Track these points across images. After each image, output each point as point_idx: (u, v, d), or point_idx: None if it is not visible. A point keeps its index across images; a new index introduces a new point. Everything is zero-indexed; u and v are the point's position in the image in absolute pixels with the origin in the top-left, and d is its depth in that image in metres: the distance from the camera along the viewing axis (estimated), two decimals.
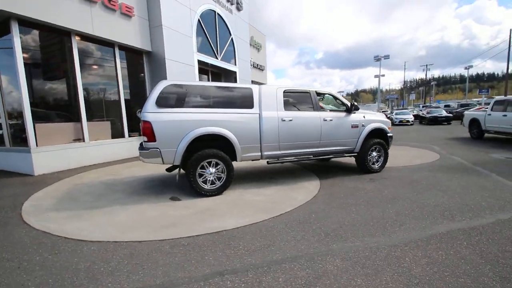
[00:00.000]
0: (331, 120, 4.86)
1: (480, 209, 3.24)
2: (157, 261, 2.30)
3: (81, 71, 6.64)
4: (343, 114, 5.04)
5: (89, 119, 6.84)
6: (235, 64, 12.34)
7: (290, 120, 4.49)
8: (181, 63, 8.74)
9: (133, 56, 8.31)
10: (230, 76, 12.16)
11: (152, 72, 8.50)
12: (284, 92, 4.61)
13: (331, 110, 5.12)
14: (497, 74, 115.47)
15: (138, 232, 2.90)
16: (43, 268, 2.26)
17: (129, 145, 7.89)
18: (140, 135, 8.34)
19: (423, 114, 22.14)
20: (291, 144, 4.57)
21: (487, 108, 9.87)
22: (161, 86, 3.89)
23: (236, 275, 2.06)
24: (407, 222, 2.95)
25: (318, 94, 5.03)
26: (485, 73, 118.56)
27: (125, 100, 7.87)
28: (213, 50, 10.72)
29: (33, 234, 2.94)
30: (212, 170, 4.05)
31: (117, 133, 7.71)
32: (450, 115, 19.88)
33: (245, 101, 4.31)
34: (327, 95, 5.32)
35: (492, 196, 3.69)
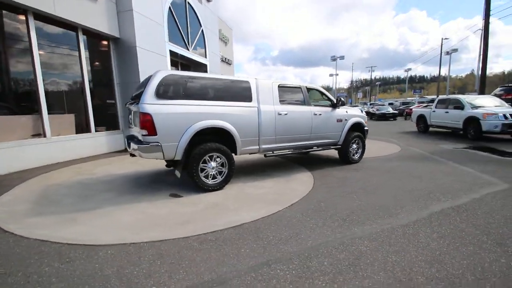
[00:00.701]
0: (320, 114, 5.12)
1: (455, 191, 3.80)
2: (194, 259, 2.21)
3: (40, 57, 5.75)
4: (330, 108, 5.36)
5: (50, 111, 5.99)
6: (206, 57, 11.97)
7: (286, 114, 4.61)
8: (153, 53, 8.16)
9: (99, 42, 7.47)
10: (200, 69, 11.74)
11: (121, 61, 7.76)
12: (278, 86, 4.71)
13: (315, 105, 5.38)
14: (426, 76, 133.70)
15: (154, 232, 2.73)
16: (63, 279, 1.99)
17: (96, 141, 7.15)
18: (107, 129, 7.62)
19: (373, 111, 24.44)
20: (286, 138, 4.70)
21: (431, 105, 11.39)
22: (160, 76, 3.63)
23: (283, 263, 2.11)
24: (405, 204, 3.33)
25: (308, 89, 5.24)
26: (417, 76, 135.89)
27: (91, 91, 7.07)
28: (184, 41, 10.23)
29: (25, 243, 2.55)
30: (213, 164, 3.96)
31: (82, 128, 6.91)
32: (396, 112, 22.40)
33: (244, 94, 4.28)
34: (313, 90, 5.57)
35: (459, 180, 4.35)
